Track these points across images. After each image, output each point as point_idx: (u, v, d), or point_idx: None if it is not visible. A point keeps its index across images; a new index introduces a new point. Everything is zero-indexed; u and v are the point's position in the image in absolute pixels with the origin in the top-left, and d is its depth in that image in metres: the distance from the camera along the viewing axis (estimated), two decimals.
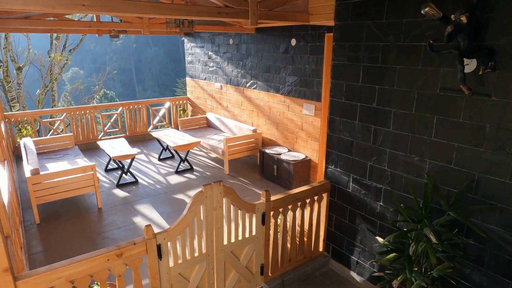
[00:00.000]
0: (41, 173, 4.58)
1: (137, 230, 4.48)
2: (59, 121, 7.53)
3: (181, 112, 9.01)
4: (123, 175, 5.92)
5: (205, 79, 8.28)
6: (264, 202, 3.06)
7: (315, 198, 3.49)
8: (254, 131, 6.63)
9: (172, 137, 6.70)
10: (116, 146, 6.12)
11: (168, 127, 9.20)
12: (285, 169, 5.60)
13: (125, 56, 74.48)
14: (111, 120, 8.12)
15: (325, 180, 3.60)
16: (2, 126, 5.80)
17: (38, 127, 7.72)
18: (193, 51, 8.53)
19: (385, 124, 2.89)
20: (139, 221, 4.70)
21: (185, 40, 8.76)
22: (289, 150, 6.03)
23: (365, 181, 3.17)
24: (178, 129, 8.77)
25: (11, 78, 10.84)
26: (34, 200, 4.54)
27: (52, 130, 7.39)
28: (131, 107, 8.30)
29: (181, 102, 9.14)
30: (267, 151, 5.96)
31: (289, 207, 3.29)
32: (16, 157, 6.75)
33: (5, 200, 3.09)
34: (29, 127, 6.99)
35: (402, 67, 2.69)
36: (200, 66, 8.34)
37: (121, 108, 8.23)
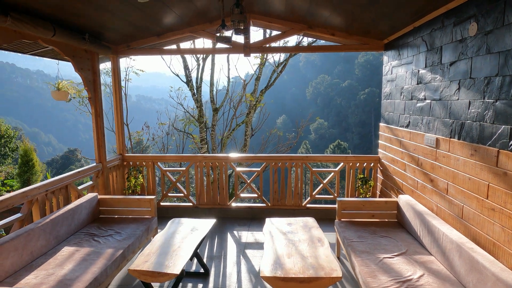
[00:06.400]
0: None
1: None
2: (181, 172, 5.49)
3: (361, 183, 5.07)
4: None
5: (407, 126, 4.10)
6: None
7: None
8: None
9: (295, 242, 3.03)
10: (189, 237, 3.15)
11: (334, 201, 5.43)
12: None
13: (366, 110, 74.94)
14: (249, 180, 5.34)
15: None
16: (90, 165, 4.14)
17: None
18: (394, 75, 4.58)
19: None
20: None
21: (384, 59, 4.96)
22: None
23: None
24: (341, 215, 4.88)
25: (204, 118, 10.46)
26: None
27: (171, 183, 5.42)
28: (279, 163, 5.25)
29: (364, 165, 5.21)
30: None
31: None
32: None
33: None
34: (140, 176, 5.27)
35: None
36: (403, 100, 4.26)
37: (264, 163, 5.34)
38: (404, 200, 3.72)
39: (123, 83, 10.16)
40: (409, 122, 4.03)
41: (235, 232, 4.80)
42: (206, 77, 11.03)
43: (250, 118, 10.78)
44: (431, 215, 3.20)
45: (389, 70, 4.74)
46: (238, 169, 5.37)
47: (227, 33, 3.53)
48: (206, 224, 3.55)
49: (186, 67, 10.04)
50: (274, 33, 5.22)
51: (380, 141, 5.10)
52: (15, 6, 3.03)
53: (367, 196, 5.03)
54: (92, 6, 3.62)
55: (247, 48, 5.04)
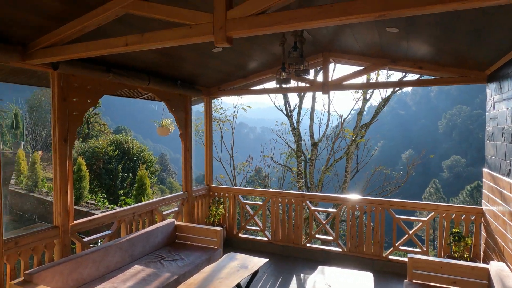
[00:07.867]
0: None
1: None
2: (258, 206, 5.63)
3: (452, 238, 4.20)
4: None
5: (508, 175, 3.30)
6: None
7: None
8: None
9: None
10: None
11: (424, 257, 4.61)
12: None
13: None
14: (324, 222, 5.09)
15: None
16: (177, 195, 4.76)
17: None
18: (496, 111, 3.79)
19: None
20: None
21: (487, 93, 4.16)
22: None
23: None
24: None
25: (305, 152, 10.49)
26: None
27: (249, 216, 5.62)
28: (357, 206, 4.86)
29: (462, 217, 4.34)
30: None
31: None
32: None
33: None
34: (220, 207, 5.63)
35: None
36: (504, 142, 3.48)
37: (340, 206, 5.02)
38: (495, 268, 2.96)
39: (230, 118, 11.20)
40: (509, 170, 3.25)
41: (301, 275, 4.60)
42: (308, 107, 11.18)
43: (350, 154, 10.31)
44: None
45: (492, 106, 3.96)
46: (314, 208, 5.20)
47: (287, 75, 3.63)
48: (256, 263, 3.56)
49: (286, 102, 10.44)
50: (356, 68, 5.03)
51: (483, 191, 4.21)
52: (116, 63, 3.84)
53: (465, 256, 4.15)
54: (183, 61, 4.29)
55: (325, 86, 5.01)
